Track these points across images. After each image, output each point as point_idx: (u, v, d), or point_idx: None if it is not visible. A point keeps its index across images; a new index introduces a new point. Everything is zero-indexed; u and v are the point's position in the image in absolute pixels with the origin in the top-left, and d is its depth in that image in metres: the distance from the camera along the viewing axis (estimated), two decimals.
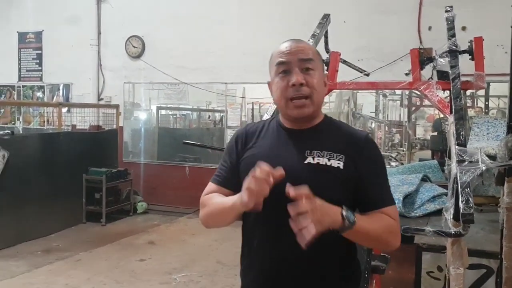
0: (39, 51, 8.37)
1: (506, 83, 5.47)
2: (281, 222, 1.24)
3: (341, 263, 1.44)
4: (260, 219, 1.39)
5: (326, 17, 3.16)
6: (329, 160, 1.36)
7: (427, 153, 7.36)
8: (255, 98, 8.09)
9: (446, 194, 3.07)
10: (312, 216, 1.15)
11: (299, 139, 1.42)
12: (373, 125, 8.30)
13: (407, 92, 6.82)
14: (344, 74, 3.25)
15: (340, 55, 2.97)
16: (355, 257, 1.51)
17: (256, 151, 1.43)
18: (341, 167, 1.36)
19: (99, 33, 7.89)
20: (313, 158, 1.36)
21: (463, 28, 4.91)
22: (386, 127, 8.70)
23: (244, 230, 1.50)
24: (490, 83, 5.69)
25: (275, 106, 2.46)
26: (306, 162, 1.36)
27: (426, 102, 6.76)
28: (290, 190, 1.18)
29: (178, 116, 8.93)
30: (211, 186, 1.50)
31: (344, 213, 1.24)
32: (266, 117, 2.59)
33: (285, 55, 1.39)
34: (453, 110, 2.19)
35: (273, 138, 1.45)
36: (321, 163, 1.35)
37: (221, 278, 4.50)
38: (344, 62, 3.30)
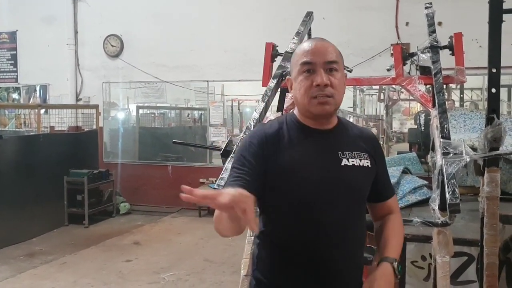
0: (14, 52, 8.19)
1: (479, 76, 5.64)
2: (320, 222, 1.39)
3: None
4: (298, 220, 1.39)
5: (309, 15, 3.20)
6: (360, 160, 1.44)
7: (404, 146, 7.53)
8: (235, 96, 8.11)
9: (426, 186, 3.18)
10: None
11: (328, 140, 1.44)
12: (351, 120, 8.46)
13: (384, 86, 6.94)
14: None
15: None
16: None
17: (292, 156, 1.39)
18: (369, 165, 1.46)
19: (76, 32, 7.77)
20: (348, 159, 1.42)
21: (439, 23, 5.03)
22: (364, 122, 8.88)
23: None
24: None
25: (263, 104, 2.45)
26: (342, 164, 1.41)
27: (403, 95, 6.91)
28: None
29: (156, 114, 8.88)
30: None
31: (395, 268, 1.42)
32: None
33: (310, 55, 1.40)
34: (437, 104, 2.26)
35: (303, 141, 1.43)
36: (355, 164, 1.42)
37: (209, 276, 4.53)
38: None
